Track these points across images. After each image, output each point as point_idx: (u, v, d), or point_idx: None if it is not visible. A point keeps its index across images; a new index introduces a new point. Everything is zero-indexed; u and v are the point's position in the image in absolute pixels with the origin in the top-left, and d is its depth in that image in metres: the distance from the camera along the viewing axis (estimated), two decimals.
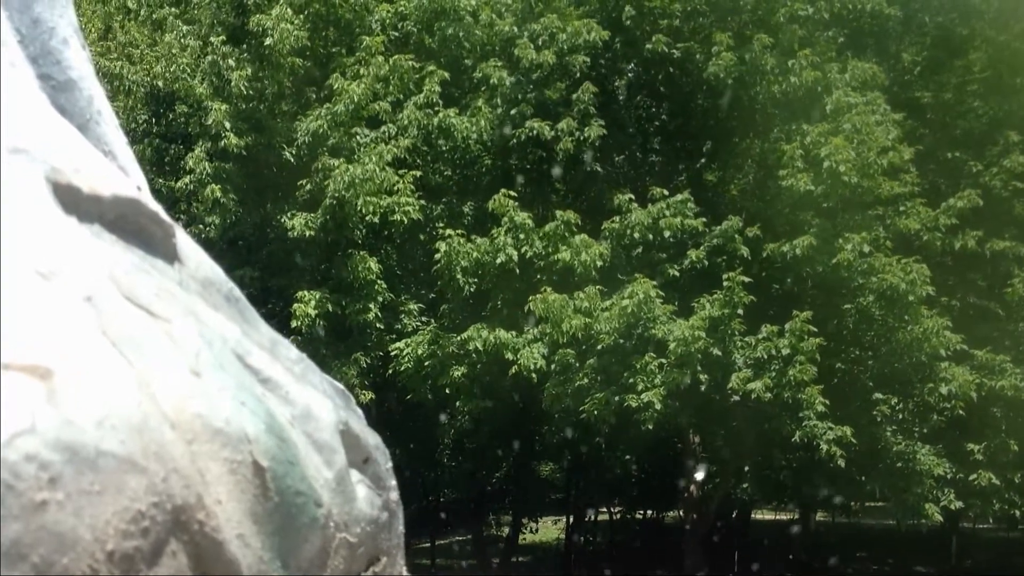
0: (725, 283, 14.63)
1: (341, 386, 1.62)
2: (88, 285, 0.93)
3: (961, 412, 15.65)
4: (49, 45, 1.30)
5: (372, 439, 1.54)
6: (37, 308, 0.86)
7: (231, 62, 16.80)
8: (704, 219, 15.64)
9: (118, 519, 0.82)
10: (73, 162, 1.07)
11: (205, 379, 1.01)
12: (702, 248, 15.61)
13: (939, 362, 15.28)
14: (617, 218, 15.71)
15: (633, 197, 16.00)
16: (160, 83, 18.23)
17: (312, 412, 1.28)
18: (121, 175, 1.26)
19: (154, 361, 0.94)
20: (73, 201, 1.04)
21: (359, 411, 1.64)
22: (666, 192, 15.79)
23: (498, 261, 15.30)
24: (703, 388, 14.94)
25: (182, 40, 17.53)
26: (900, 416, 17.02)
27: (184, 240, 1.26)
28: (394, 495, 1.46)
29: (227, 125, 16.31)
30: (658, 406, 14.21)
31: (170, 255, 1.20)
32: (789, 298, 16.53)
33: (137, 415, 0.86)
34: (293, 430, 1.20)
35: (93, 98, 1.35)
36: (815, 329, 14.56)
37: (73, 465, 0.79)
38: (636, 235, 15.48)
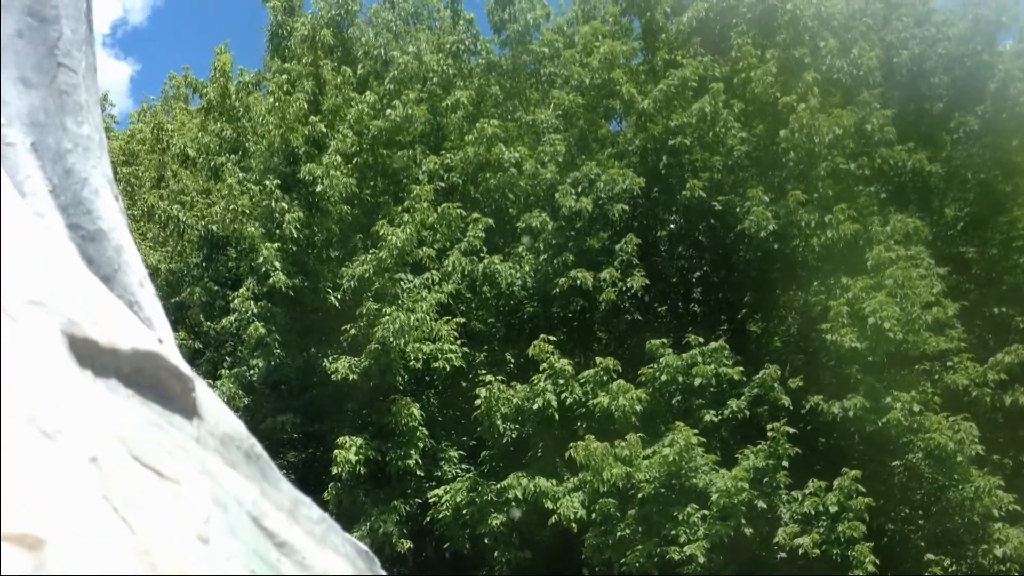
0: (770, 433, 14.37)
1: (365, 547, 1.56)
2: (94, 444, 0.89)
3: (1017, 574, 15.05)
4: (81, 195, 1.30)
5: None
6: (36, 470, 0.81)
7: (283, 205, 17.17)
8: (742, 368, 15.46)
9: None
10: (92, 314, 1.04)
11: (213, 546, 0.96)
12: (743, 398, 15.39)
13: (992, 522, 14.78)
14: (655, 364, 15.60)
15: (667, 342, 15.90)
16: (213, 227, 18.64)
17: None
18: (143, 327, 1.24)
19: (158, 527, 0.89)
20: (89, 355, 1.01)
21: (383, 573, 1.58)
22: (702, 340, 15.67)
23: (536, 406, 15.17)
24: (748, 541, 14.52)
25: (239, 185, 17.95)
26: None
27: (205, 394, 1.23)
28: None
29: (277, 264, 16.57)
30: (701, 559, 13.81)
31: (188, 410, 1.16)
32: (835, 451, 16.16)
33: None
34: None
35: (122, 248, 1.34)
36: (863, 489, 14.19)
37: None
38: (666, 377, 15.30)
